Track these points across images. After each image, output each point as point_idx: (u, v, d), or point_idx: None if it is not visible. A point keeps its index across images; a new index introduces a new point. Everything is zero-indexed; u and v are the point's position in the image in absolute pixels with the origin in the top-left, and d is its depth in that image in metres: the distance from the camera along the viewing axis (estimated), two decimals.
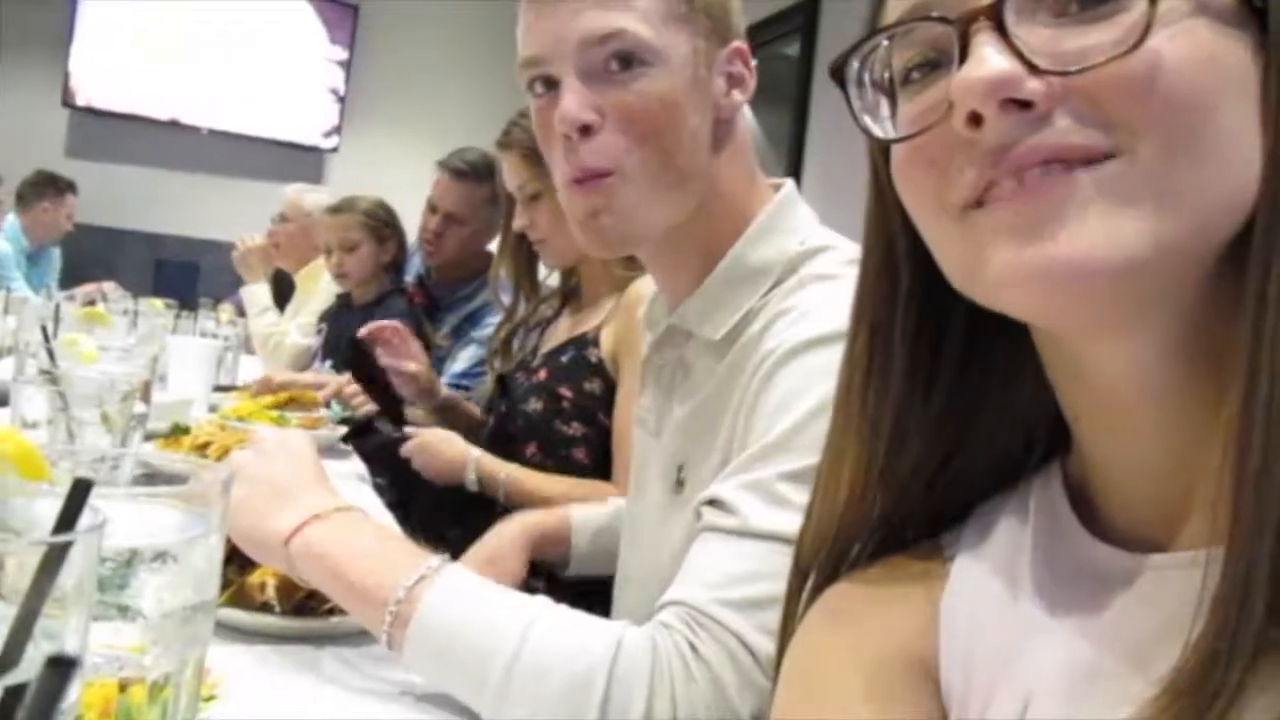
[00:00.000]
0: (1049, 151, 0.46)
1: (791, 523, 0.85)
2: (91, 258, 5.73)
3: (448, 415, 2.28)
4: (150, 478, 0.65)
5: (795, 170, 4.88)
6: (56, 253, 5.43)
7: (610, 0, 0.97)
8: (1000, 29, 0.46)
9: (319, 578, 0.92)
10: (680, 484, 1.07)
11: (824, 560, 0.63)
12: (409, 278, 3.39)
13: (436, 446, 1.93)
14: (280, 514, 0.94)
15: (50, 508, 0.43)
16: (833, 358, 0.91)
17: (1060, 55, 0.46)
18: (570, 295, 2.10)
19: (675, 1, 0.99)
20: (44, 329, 1.20)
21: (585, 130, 0.98)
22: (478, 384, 2.70)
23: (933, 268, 0.54)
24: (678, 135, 0.99)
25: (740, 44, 1.06)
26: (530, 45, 1.01)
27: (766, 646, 0.82)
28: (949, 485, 0.61)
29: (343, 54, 6.66)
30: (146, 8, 6.26)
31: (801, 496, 0.86)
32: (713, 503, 0.92)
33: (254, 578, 1.04)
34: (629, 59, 0.98)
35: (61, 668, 0.29)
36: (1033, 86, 0.46)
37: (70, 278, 5.33)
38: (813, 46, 4.93)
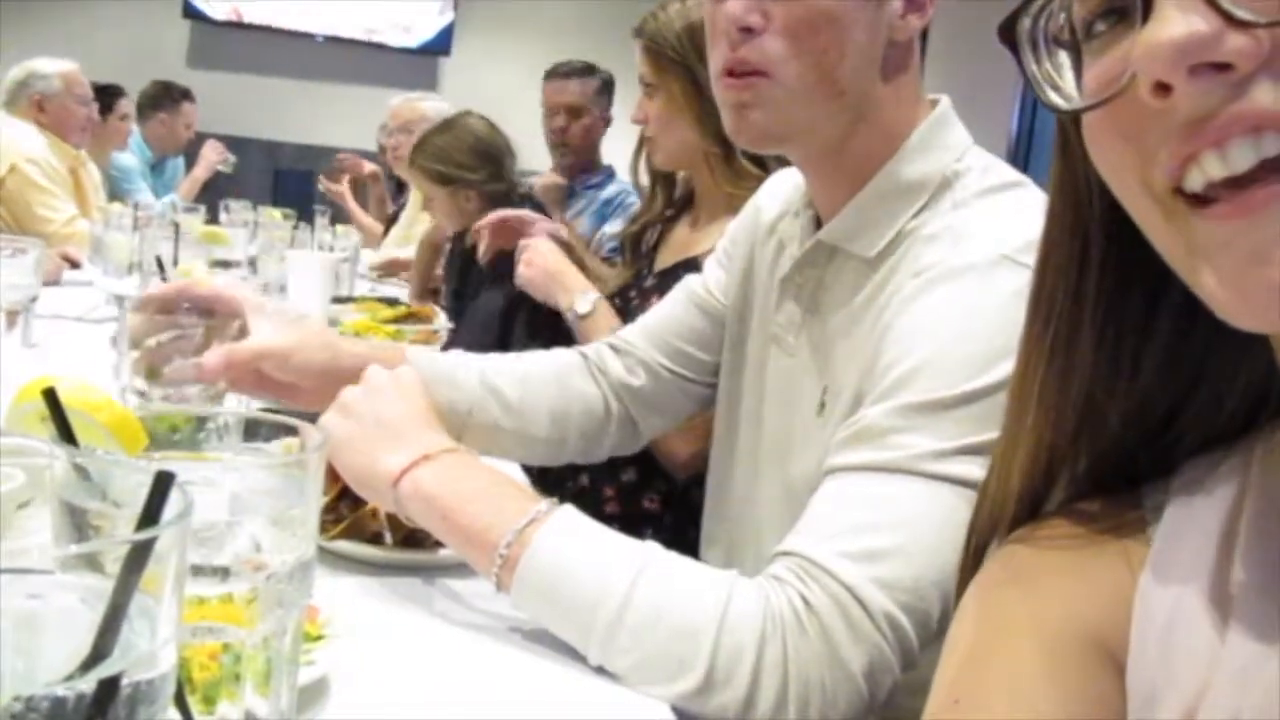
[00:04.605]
0: (1255, 119, 0.40)
1: (920, 447, 0.85)
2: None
3: None
4: (254, 426, 0.65)
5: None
6: (180, 162, 5.54)
7: None
8: None
9: (428, 519, 0.91)
10: (823, 406, 1.04)
11: (1004, 527, 0.58)
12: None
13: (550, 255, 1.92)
14: (389, 454, 0.93)
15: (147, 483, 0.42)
16: (983, 285, 0.91)
17: (1268, 2, 0.39)
18: (687, 204, 2.05)
19: None
20: (158, 259, 1.21)
21: (747, 31, 0.98)
22: None
23: (1139, 237, 0.48)
24: (841, 49, 0.98)
25: None
26: None
27: (881, 601, 0.81)
28: (1153, 452, 0.55)
29: None
30: None
31: (932, 426, 0.85)
32: (844, 440, 0.90)
33: (367, 507, 1.04)
34: None
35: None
36: (1233, 44, 0.39)
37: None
38: None
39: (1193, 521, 0.52)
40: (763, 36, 0.98)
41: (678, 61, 1.75)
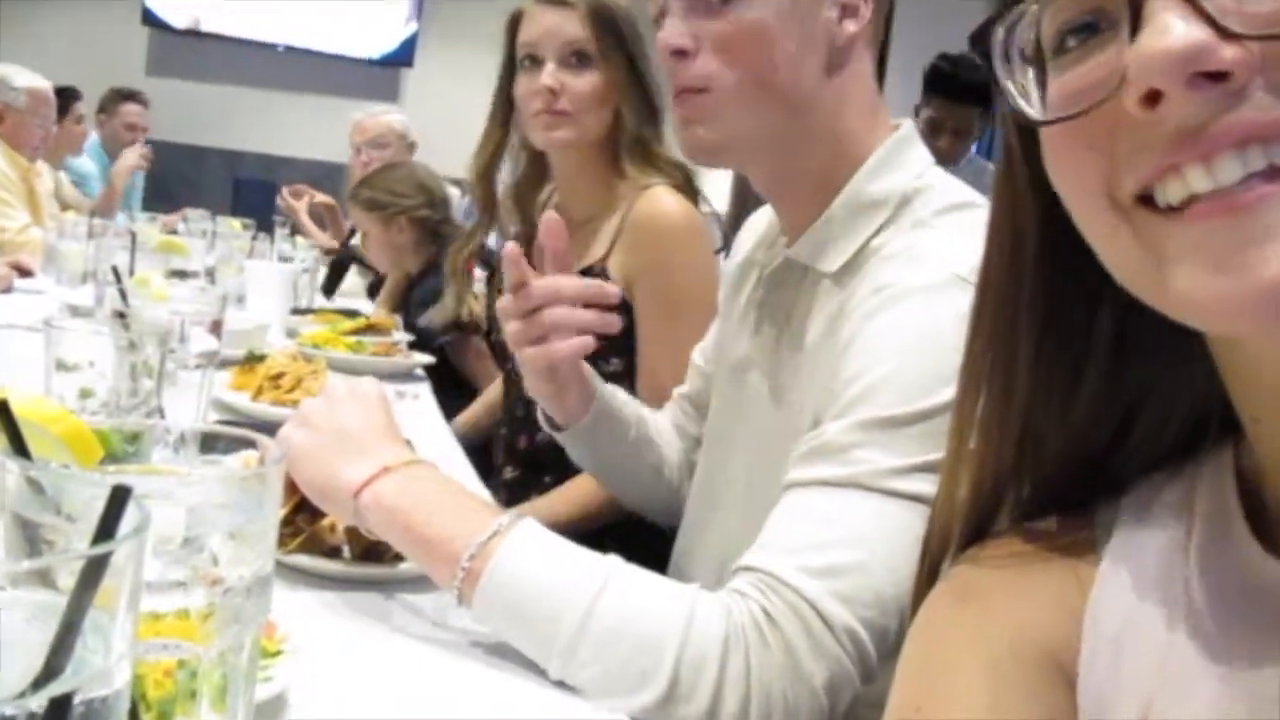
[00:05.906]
0: (1246, 130, 0.40)
1: (879, 463, 0.85)
2: (173, 175, 5.81)
3: None
4: (212, 439, 0.64)
5: None
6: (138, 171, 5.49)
7: None
8: None
9: (389, 532, 0.91)
10: (781, 421, 1.06)
11: (955, 546, 0.59)
12: None
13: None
14: (349, 466, 0.92)
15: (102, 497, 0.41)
16: (939, 304, 0.92)
17: (1256, 16, 0.39)
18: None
19: None
20: (114, 269, 1.20)
21: (681, 54, 1.02)
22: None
23: (1074, 258, 0.48)
24: (773, 60, 1.01)
25: None
26: None
27: (841, 615, 0.81)
28: (1101, 472, 0.56)
29: None
30: None
31: (890, 442, 0.86)
32: (803, 455, 0.90)
33: (325, 520, 1.03)
34: None
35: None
36: (1228, 55, 0.39)
37: (156, 194, 5.41)
38: None
39: (1142, 540, 0.53)
40: (695, 58, 1.02)
41: (627, 36, 1.71)
